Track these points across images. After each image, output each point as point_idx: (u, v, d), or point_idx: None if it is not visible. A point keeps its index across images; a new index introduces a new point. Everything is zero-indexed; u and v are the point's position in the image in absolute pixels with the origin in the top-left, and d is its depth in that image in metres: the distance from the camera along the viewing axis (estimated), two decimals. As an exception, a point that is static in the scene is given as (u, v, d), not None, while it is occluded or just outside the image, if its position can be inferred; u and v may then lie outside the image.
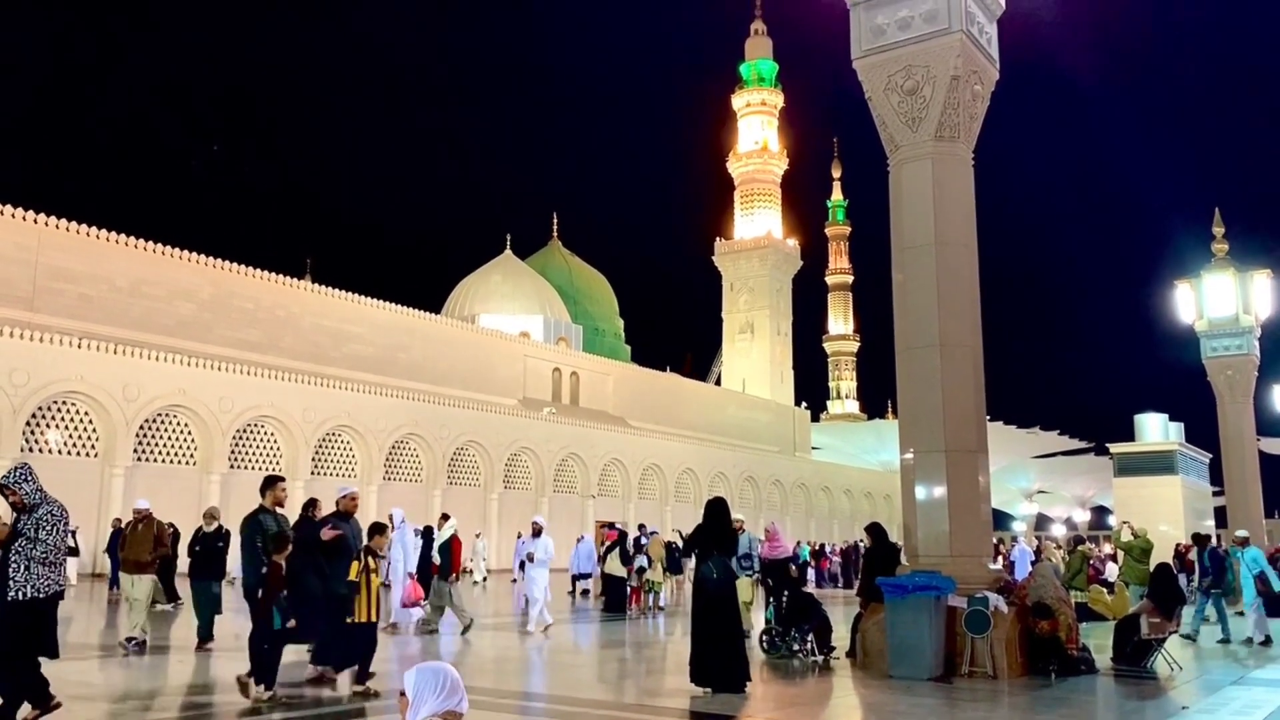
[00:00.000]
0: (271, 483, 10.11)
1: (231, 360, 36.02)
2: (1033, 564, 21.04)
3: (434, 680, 3.52)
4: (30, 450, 29.95)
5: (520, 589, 16.77)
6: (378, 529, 9.94)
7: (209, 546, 13.46)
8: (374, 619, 9.39)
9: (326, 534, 9.76)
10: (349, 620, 9.27)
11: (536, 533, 16.50)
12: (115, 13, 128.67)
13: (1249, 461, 27.35)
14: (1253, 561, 16.15)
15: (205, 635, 12.62)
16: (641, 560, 20.96)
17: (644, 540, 21.79)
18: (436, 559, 15.69)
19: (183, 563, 14.17)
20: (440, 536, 15.92)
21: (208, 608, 12.88)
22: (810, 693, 10.61)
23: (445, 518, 16.74)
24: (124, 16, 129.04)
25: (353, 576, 9.28)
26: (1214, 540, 22.66)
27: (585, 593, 25.12)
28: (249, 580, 9.59)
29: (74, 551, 22.82)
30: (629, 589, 20.72)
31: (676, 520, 48.63)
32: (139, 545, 13.00)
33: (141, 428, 32.53)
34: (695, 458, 57.06)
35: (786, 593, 12.93)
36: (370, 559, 9.46)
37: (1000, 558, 24.96)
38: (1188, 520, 34.58)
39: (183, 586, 17.86)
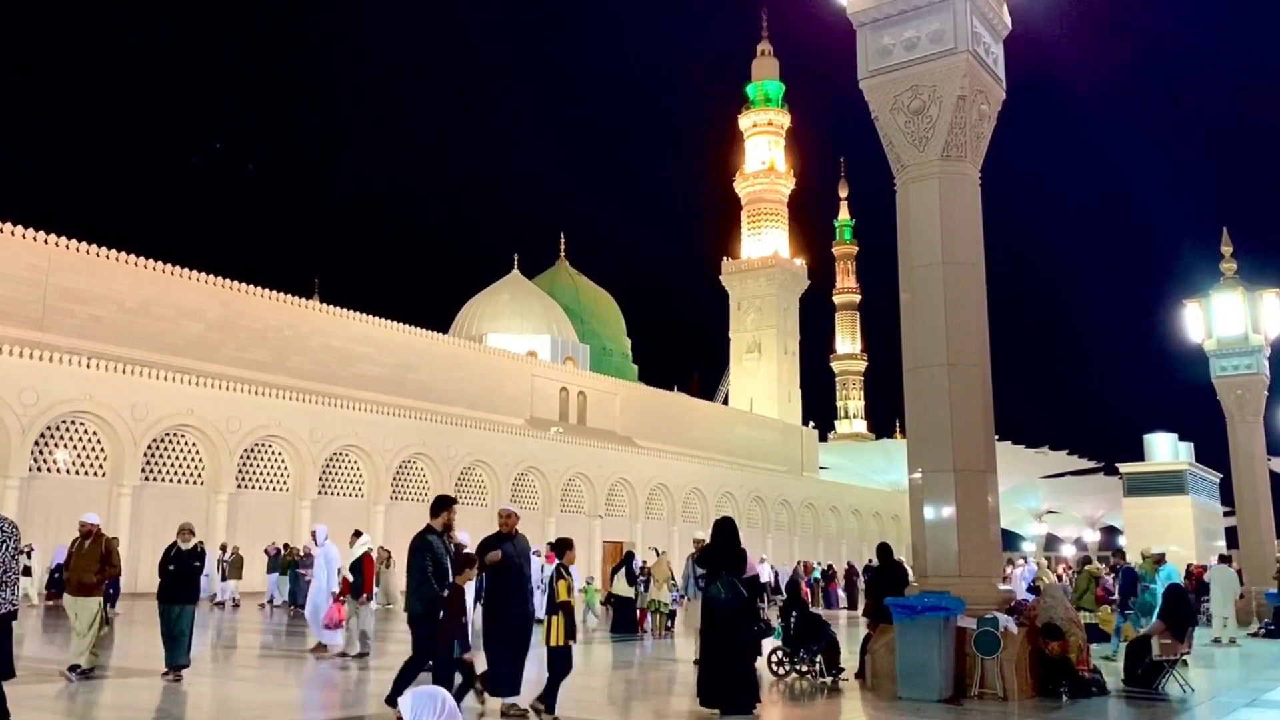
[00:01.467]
0: (445, 504, 9.41)
1: (239, 380, 36.12)
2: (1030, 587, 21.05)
3: (431, 704, 3.48)
4: (39, 470, 30.04)
5: None
6: (566, 544, 9.49)
7: (184, 566, 12.00)
8: (570, 642, 8.89)
9: (491, 558, 9.13)
10: (557, 644, 8.77)
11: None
12: (120, 31, 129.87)
13: (1260, 481, 27.19)
14: (1166, 579, 16.17)
15: (183, 662, 11.65)
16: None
17: (640, 563, 21.71)
18: (349, 578, 14.59)
19: (152, 582, 12.61)
20: (352, 554, 14.81)
21: (172, 633, 11.64)
22: (818, 714, 10.53)
23: (357, 534, 15.68)
24: (129, 35, 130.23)
25: (563, 597, 8.77)
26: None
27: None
28: (418, 608, 8.97)
29: (26, 571, 23.06)
30: (637, 610, 20.63)
31: (684, 540, 48.48)
32: (84, 564, 11.58)
33: (149, 447, 32.57)
34: (703, 477, 56.90)
35: (795, 613, 12.86)
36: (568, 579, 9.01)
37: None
38: (1199, 540, 34.40)
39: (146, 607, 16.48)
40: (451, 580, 9.01)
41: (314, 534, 16.56)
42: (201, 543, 12.89)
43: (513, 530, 9.55)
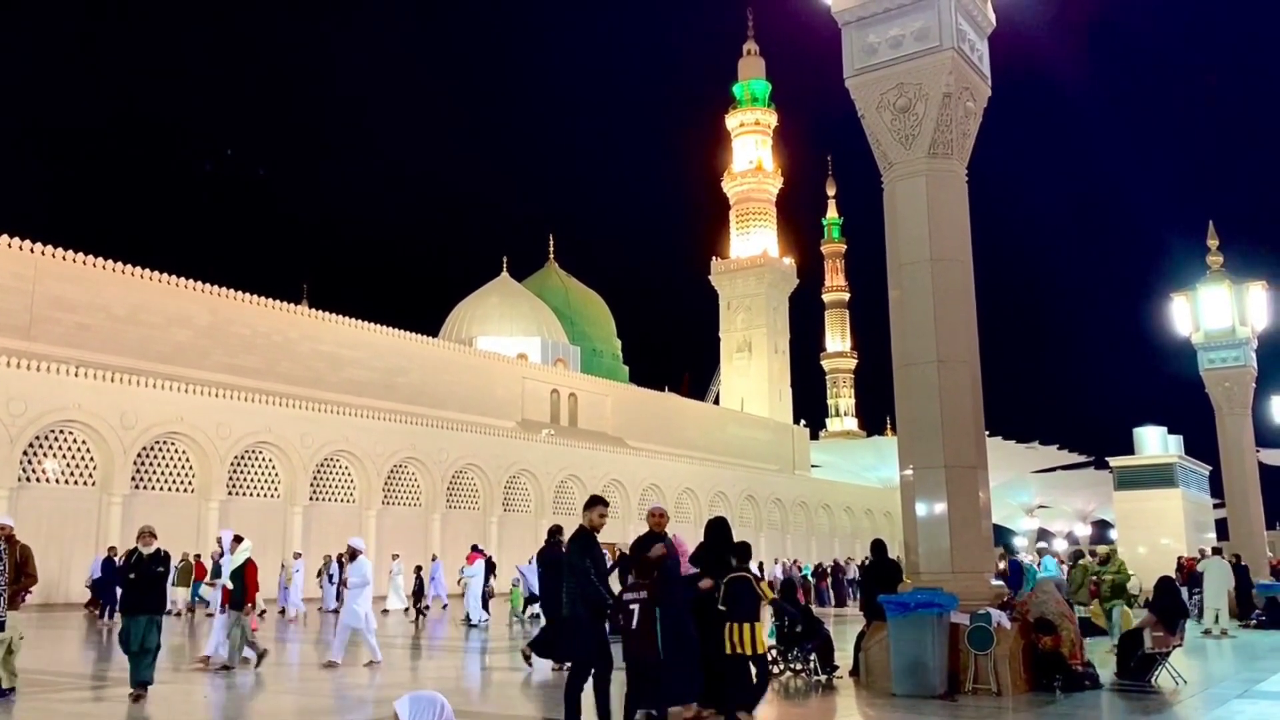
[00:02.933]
0: (594, 503, 8.87)
1: (229, 387, 35.97)
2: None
3: (430, 708, 3.48)
4: (28, 480, 29.88)
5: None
6: (746, 551, 9.34)
7: (147, 573, 10.96)
8: (761, 650, 8.62)
9: (657, 550, 8.83)
10: (735, 653, 8.53)
11: (353, 556, 15.15)
12: (109, 36, 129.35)
13: (1249, 473, 27.32)
14: (1046, 570, 16.77)
15: (146, 679, 10.86)
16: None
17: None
18: (229, 585, 13.77)
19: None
20: (233, 561, 13.99)
21: (142, 647, 10.79)
22: (814, 712, 10.55)
23: (238, 540, 14.74)
24: (119, 40, 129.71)
25: (771, 595, 8.50)
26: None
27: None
28: (581, 611, 8.37)
29: None
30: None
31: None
32: None
33: (139, 455, 32.42)
34: (695, 477, 56.93)
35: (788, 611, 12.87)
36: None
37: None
38: (1189, 533, 34.49)
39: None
40: (632, 582, 8.66)
41: (219, 540, 15.74)
42: (172, 551, 12.07)
43: (664, 530, 9.34)
